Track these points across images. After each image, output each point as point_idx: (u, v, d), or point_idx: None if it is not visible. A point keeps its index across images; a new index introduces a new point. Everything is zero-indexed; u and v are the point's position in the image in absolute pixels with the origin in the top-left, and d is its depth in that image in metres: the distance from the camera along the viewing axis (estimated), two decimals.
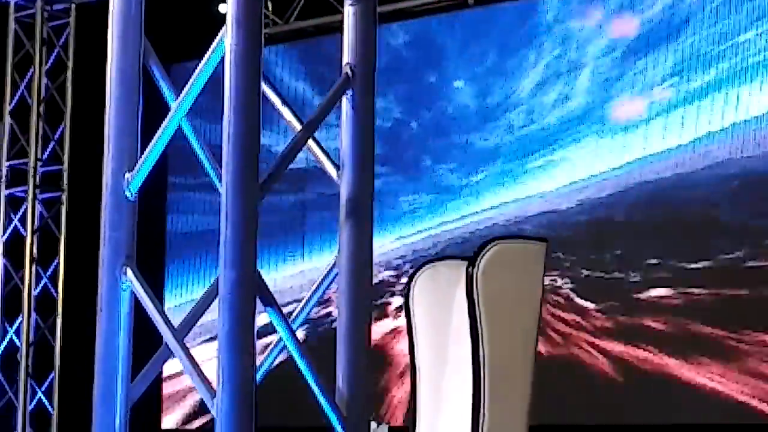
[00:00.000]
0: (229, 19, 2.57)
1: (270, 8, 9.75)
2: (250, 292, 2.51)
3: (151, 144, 2.71)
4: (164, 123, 2.71)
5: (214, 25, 2.69)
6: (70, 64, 9.73)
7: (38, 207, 9.63)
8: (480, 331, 4.25)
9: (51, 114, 9.73)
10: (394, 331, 8.14)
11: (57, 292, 9.57)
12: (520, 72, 9.58)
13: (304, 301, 2.84)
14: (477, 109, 9.82)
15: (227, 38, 2.57)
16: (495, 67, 9.72)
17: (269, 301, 2.62)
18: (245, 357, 2.49)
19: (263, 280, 2.59)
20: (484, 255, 4.30)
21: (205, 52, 2.70)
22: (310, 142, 2.82)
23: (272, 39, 9.46)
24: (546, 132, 9.41)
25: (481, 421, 4.22)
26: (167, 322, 2.62)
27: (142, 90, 2.75)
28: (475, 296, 4.26)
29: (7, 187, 9.67)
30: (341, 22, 2.89)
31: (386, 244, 9.76)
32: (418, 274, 4.64)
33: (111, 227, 2.69)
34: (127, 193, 2.71)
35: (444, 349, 4.54)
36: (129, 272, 2.67)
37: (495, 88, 9.71)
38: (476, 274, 4.27)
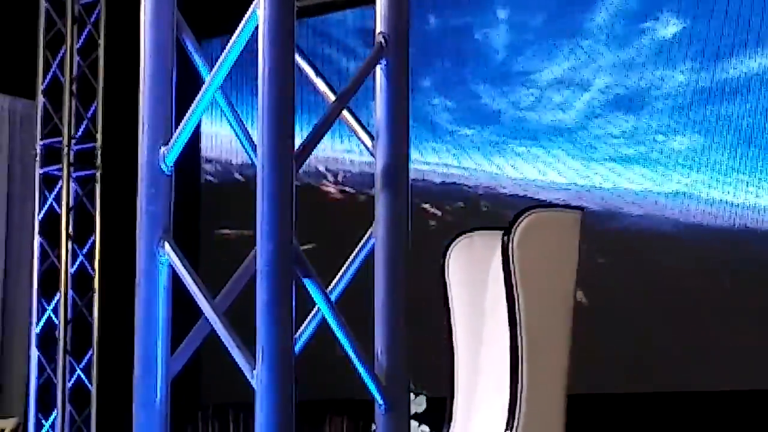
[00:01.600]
0: None
1: None
2: (288, 263, 2.51)
3: (186, 117, 2.71)
4: (198, 96, 2.71)
5: (245, 1, 2.68)
6: (102, 41, 9.74)
7: (73, 185, 9.67)
8: (516, 300, 4.25)
9: (84, 92, 9.75)
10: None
11: (93, 269, 9.61)
12: None
13: (341, 272, 2.84)
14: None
15: (260, 9, 2.56)
16: None
17: (307, 272, 2.62)
18: (285, 329, 2.49)
19: (301, 251, 2.59)
20: (519, 224, 4.30)
21: (234, 27, 2.69)
22: (345, 112, 2.81)
23: (305, 12, 9.45)
24: None
25: (519, 390, 4.22)
26: (206, 294, 2.63)
27: (175, 64, 2.76)
28: (511, 265, 4.26)
29: (42, 166, 9.71)
30: None
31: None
32: (453, 244, 4.64)
33: (147, 201, 2.69)
34: (163, 167, 2.71)
35: (481, 319, 4.54)
36: (167, 245, 2.67)
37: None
38: (512, 243, 4.26)
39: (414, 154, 8.62)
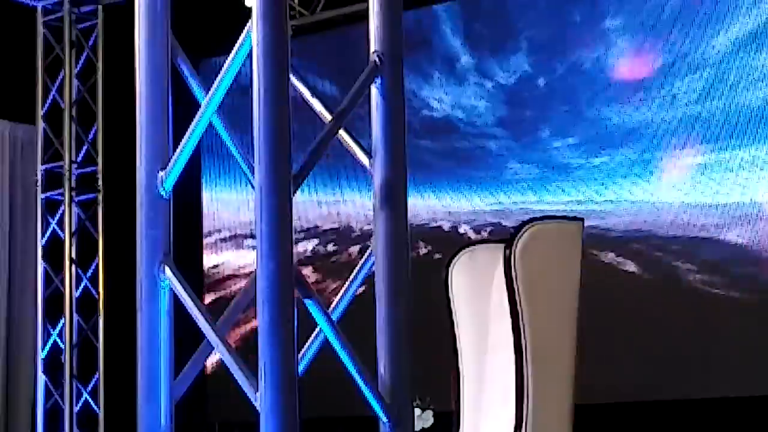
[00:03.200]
0: (254, 13, 2.57)
1: (296, 0, 9.75)
2: (289, 284, 2.51)
3: (183, 141, 2.71)
4: (195, 119, 2.72)
5: (239, 19, 2.69)
6: (100, 65, 9.76)
7: (75, 209, 9.68)
8: (520, 312, 4.25)
9: (83, 116, 9.77)
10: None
11: (98, 292, 9.62)
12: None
13: (342, 291, 2.85)
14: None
15: (254, 32, 2.57)
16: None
17: (308, 292, 2.63)
18: (287, 350, 2.49)
19: (301, 272, 2.60)
20: (520, 236, 4.30)
21: (230, 46, 2.70)
22: (342, 132, 2.82)
23: (300, 30, 9.46)
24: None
25: (525, 401, 4.22)
26: (207, 317, 2.63)
27: (171, 88, 2.76)
28: (514, 277, 4.26)
29: (43, 191, 9.72)
30: (367, 10, 2.88)
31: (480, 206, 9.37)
32: (455, 258, 4.64)
33: (147, 225, 2.70)
34: (162, 191, 2.72)
35: (485, 332, 4.54)
36: (167, 269, 2.68)
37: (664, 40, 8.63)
38: (514, 255, 4.27)
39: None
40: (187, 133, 2.72)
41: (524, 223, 4.35)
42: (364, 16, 2.93)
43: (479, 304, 4.56)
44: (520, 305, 4.26)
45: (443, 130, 9.47)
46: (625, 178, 8.64)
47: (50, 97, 9.74)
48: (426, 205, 9.40)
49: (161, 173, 2.71)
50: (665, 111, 8.49)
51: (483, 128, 9.42)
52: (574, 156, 8.87)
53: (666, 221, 8.40)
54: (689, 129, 8.38)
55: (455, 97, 9.43)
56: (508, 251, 4.28)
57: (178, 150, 2.71)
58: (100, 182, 9.71)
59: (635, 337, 8.38)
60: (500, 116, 9.39)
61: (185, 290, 2.65)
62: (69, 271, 9.58)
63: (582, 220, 4.52)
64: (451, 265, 4.64)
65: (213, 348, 2.64)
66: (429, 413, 6.17)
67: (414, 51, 9.22)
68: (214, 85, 2.70)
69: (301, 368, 2.69)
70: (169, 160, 2.73)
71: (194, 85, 2.82)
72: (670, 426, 8.07)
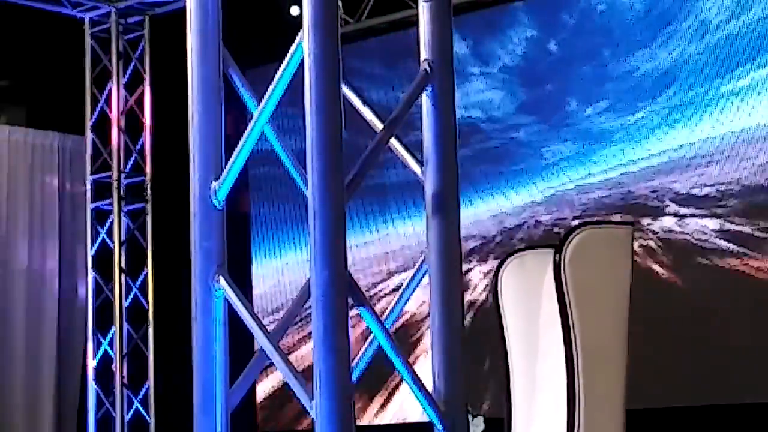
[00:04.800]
0: (305, 23, 2.58)
1: (341, 7, 9.75)
2: (342, 292, 2.52)
3: (236, 151, 2.73)
4: (248, 129, 2.73)
5: (286, 27, 2.71)
6: (147, 75, 9.83)
7: (124, 219, 9.75)
8: (570, 317, 4.24)
9: (131, 126, 9.84)
10: None
11: (147, 302, 9.68)
12: None
13: (396, 299, 2.85)
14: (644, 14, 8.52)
15: (305, 42, 2.58)
16: None
17: (361, 300, 2.64)
18: (341, 358, 2.50)
19: (353, 279, 2.61)
20: (570, 241, 4.29)
21: (278, 55, 2.71)
22: (393, 140, 2.82)
23: (344, 38, 9.46)
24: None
25: (576, 407, 4.21)
26: (262, 327, 2.64)
27: (223, 99, 2.78)
28: (564, 282, 4.25)
29: (92, 201, 9.79)
30: (415, 17, 2.89)
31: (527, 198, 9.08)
32: (505, 264, 4.64)
33: (201, 237, 2.71)
34: (215, 202, 2.73)
35: (535, 338, 4.53)
36: (222, 280, 2.69)
37: None
38: (563, 260, 4.26)
39: None
40: (240, 143, 2.73)
41: (573, 229, 4.35)
42: (409, 23, 2.94)
43: (529, 311, 4.56)
44: (571, 311, 4.25)
45: (464, 136, 8.97)
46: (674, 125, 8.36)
47: (98, 107, 9.82)
48: (474, 213, 9.29)
49: (214, 183, 2.73)
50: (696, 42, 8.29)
51: (506, 120, 9.24)
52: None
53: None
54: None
55: (463, 96, 9.05)
56: (557, 257, 4.27)
57: (231, 160, 2.72)
58: (148, 192, 9.77)
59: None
60: (521, 101, 9.22)
61: (240, 300, 2.66)
62: (118, 280, 9.65)
63: (632, 224, 4.50)
64: (501, 272, 4.63)
65: (268, 357, 2.65)
66: (480, 419, 6.17)
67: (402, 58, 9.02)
68: (267, 95, 2.71)
69: (354, 376, 2.70)
70: (222, 171, 2.74)
71: (245, 95, 2.84)
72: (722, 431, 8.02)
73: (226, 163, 2.75)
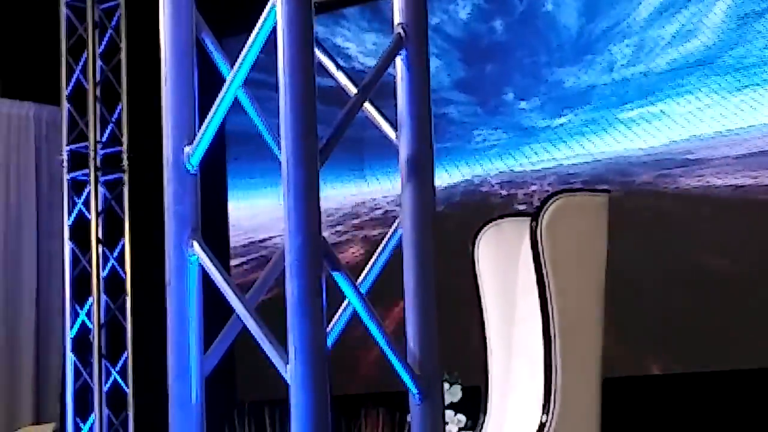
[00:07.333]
0: None
1: None
2: (317, 257, 2.52)
3: (209, 116, 2.72)
4: (221, 94, 2.72)
5: None
6: (123, 45, 9.78)
7: (101, 189, 9.71)
8: (547, 284, 4.25)
9: (108, 96, 9.80)
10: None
11: (125, 272, 9.66)
12: None
13: (370, 264, 2.85)
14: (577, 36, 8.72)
15: (278, 5, 2.57)
16: None
17: (336, 265, 2.63)
18: (316, 323, 2.50)
19: (328, 244, 2.60)
20: (546, 209, 4.30)
21: (253, 25, 2.70)
22: (367, 105, 2.82)
23: (322, 7, 9.45)
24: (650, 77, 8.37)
25: (553, 374, 4.23)
26: (236, 292, 2.64)
27: (196, 64, 2.77)
28: (540, 250, 4.27)
29: (69, 172, 9.76)
30: None
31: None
32: (481, 232, 4.65)
33: (174, 201, 2.71)
34: (188, 167, 2.72)
35: (512, 305, 4.55)
36: (195, 245, 2.68)
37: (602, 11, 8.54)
38: (540, 228, 4.27)
39: None
40: (213, 108, 2.72)
41: (550, 196, 4.36)
42: None
43: (506, 278, 4.57)
44: (548, 278, 4.26)
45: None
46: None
47: (74, 77, 9.77)
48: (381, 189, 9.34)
49: (188, 148, 2.72)
50: None
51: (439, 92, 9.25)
52: None
53: None
54: None
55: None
56: (534, 224, 4.28)
57: (204, 125, 2.71)
58: (125, 162, 9.74)
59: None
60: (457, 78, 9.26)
61: (214, 265, 2.66)
62: (96, 251, 9.63)
63: (609, 191, 4.52)
64: (478, 239, 4.64)
65: (242, 322, 2.65)
66: (457, 388, 6.18)
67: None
68: (239, 59, 2.70)
69: (329, 342, 2.70)
70: (195, 136, 2.73)
71: (219, 60, 2.83)
72: (701, 398, 8.06)
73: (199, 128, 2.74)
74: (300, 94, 2.53)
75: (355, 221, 9.65)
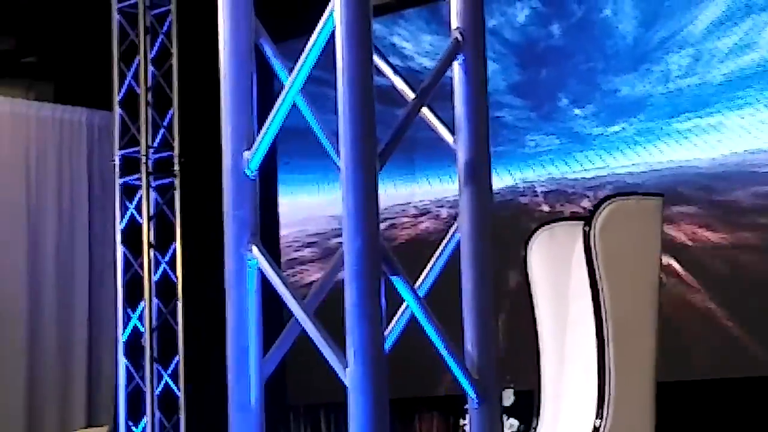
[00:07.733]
0: None
1: None
2: (376, 261, 2.53)
3: (268, 121, 2.74)
4: (279, 99, 2.73)
5: (320, 1, 2.70)
6: (174, 50, 9.83)
7: (152, 194, 9.76)
8: (600, 288, 4.25)
9: (159, 101, 9.85)
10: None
11: (176, 276, 9.71)
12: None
13: (428, 268, 2.86)
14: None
15: (336, 12, 2.58)
16: None
17: (395, 269, 2.64)
18: (375, 326, 2.51)
19: (387, 248, 2.61)
20: (600, 213, 4.30)
21: (308, 29, 2.71)
22: (425, 109, 2.83)
23: (380, 9, 9.44)
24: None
25: (607, 378, 4.21)
26: (295, 296, 2.65)
27: (255, 69, 2.79)
28: (593, 253, 4.26)
29: (121, 176, 9.82)
30: None
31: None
32: (534, 236, 4.64)
33: (234, 206, 2.72)
34: (247, 172, 2.74)
35: (565, 309, 4.54)
36: (254, 249, 2.70)
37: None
38: (593, 231, 4.26)
39: None
40: (272, 113, 2.74)
41: (603, 200, 4.35)
42: None
43: (559, 282, 4.56)
44: (601, 282, 4.25)
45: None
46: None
47: (126, 83, 9.82)
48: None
49: (246, 154, 2.74)
50: None
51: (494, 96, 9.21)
52: None
53: None
54: None
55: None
56: (587, 228, 4.27)
57: (263, 130, 2.73)
58: (176, 166, 9.79)
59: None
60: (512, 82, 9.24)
61: (273, 269, 2.67)
62: (147, 255, 9.68)
63: (662, 195, 4.50)
64: (530, 243, 4.64)
65: (301, 326, 2.66)
66: (509, 392, 6.18)
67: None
68: (298, 65, 2.71)
69: (387, 345, 2.70)
70: (254, 141, 2.75)
71: (277, 65, 2.84)
72: (758, 403, 8.00)
73: (257, 134, 2.75)
74: (358, 100, 2.55)
75: (404, 220, 9.65)
